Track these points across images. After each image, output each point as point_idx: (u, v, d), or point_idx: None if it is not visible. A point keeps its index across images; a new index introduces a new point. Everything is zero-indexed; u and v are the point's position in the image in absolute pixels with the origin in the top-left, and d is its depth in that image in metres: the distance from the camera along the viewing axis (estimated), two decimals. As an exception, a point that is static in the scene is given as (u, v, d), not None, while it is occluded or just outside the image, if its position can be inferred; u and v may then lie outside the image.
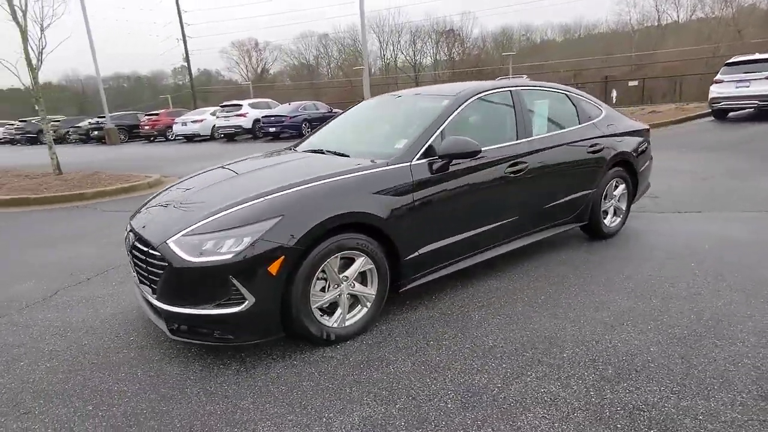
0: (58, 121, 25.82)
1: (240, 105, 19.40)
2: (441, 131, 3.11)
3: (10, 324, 3.16)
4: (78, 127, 23.99)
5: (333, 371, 2.41)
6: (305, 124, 18.48)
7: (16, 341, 2.91)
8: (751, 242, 3.96)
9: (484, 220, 3.27)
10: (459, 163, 3.08)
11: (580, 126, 4.00)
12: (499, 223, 3.35)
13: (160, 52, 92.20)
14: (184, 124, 20.37)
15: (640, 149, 4.41)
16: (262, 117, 18.58)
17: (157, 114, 22.48)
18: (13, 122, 27.65)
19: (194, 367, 2.52)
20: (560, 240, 4.28)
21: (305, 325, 2.51)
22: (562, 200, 3.77)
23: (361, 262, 2.68)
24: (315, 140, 3.95)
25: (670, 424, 1.91)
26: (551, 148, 3.66)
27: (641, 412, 1.99)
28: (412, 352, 2.55)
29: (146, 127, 21.95)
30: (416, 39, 60.33)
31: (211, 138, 20.58)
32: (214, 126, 19.84)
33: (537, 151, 3.55)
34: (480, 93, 3.47)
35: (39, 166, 11.33)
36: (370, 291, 2.77)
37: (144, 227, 2.70)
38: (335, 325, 2.65)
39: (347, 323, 2.70)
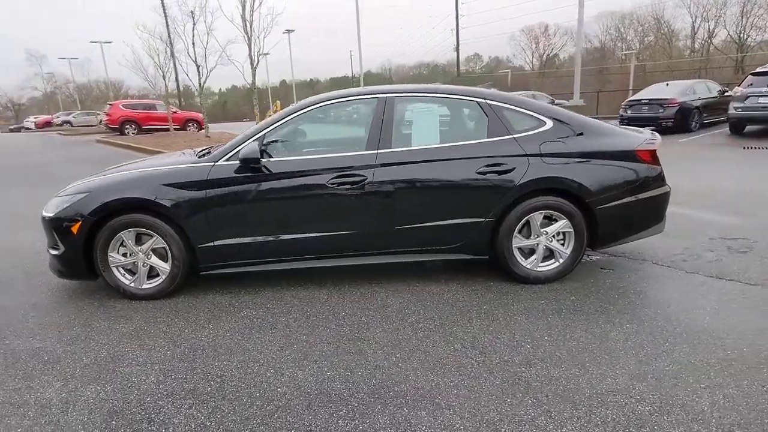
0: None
1: (459, 94, 20.11)
2: (261, 136, 3.28)
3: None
4: (347, 109, 29.40)
5: (95, 313, 3.14)
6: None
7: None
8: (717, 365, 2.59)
9: (301, 228, 3.28)
10: (274, 169, 3.22)
11: (482, 140, 3.31)
12: (324, 234, 3.29)
13: (436, 43, 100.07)
14: (414, 110, 22.44)
15: (607, 178, 3.28)
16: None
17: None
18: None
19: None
20: (465, 274, 3.65)
21: (104, 278, 3.30)
22: (430, 224, 3.29)
23: (153, 240, 3.26)
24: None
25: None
26: (412, 163, 3.25)
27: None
28: (143, 323, 3.01)
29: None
30: (752, 8, 46.75)
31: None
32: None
33: (388, 164, 3.23)
34: (332, 100, 3.40)
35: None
36: (166, 266, 3.31)
37: None
38: (132, 285, 3.33)
39: (144, 286, 3.34)
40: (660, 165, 3.44)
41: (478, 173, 3.23)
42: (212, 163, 3.25)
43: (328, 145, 3.58)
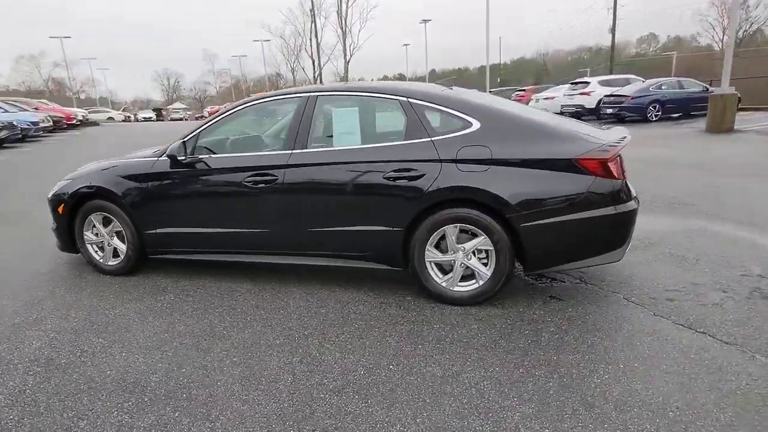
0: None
1: (587, 82, 18.07)
2: (197, 134, 3.47)
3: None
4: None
5: (66, 283, 3.71)
6: (654, 107, 15.53)
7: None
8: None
9: (224, 223, 3.41)
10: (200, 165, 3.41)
11: (395, 143, 3.02)
12: (244, 231, 3.37)
13: (597, 24, 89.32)
14: (537, 101, 20.85)
15: (535, 190, 2.76)
16: (604, 96, 16.78)
17: (524, 90, 23.78)
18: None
19: (72, 257, 4.36)
20: (395, 284, 3.39)
21: (82, 252, 3.88)
22: (339, 229, 3.14)
23: (113, 224, 3.72)
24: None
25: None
26: (322, 165, 3.12)
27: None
28: (85, 295, 3.46)
29: (513, 102, 23.73)
30: None
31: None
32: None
33: (299, 165, 3.16)
34: (263, 99, 3.43)
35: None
36: (124, 247, 3.75)
37: None
38: (101, 261, 3.84)
39: (109, 263, 3.82)
40: (618, 177, 2.76)
41: (385, 178, 2.98)
42: (156, 159, 3.56)
43: (255, 144, 3.65)
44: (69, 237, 3.88)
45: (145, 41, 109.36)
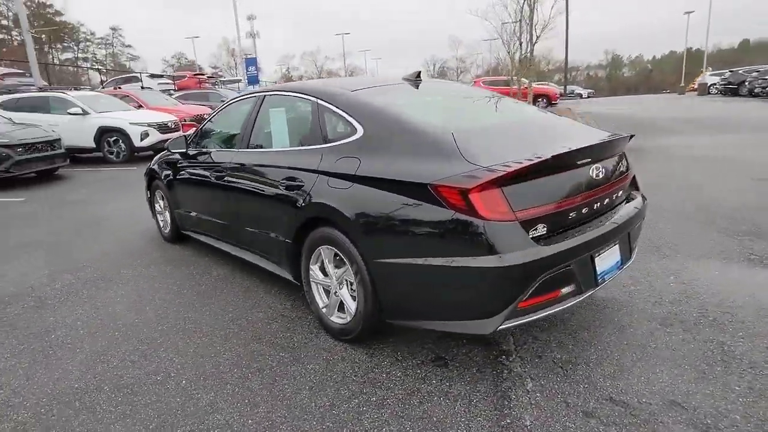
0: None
1: None
2: (200, 128, 3.87)
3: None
4: (765, 79, 21.40)
5: (140, 243, 4.72)
6: None
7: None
8: None
9: (206, 212, 3.75)
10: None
11: (295, 148, 2.76)
12: (216, 221, 3.63)
13: None
14: None
15: (388, 218, 2.15)
16: None
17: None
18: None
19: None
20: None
21: (155, 222, 4.86)
22: (261, 231, 3.09)
23: (164, 201, 4.51)
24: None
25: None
26: (247, 166, 3.13)
27: None
28: (115, 251, 4.32)
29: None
30: None
31: None
32: None
33: (236, 165, 3.24)
34: (237, 99, 3.56)
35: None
36: (167, 218, 4.51)
37: None
38: (162, 228, 4.72)
39: (165, 231, 4.65)
40: (490, 217, 1.88)
41: (281, 185, 2.78)
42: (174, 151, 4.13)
43: (230, 141, 3.77)
44: (151, 207, 4.89)
45: (409, 32, 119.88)
